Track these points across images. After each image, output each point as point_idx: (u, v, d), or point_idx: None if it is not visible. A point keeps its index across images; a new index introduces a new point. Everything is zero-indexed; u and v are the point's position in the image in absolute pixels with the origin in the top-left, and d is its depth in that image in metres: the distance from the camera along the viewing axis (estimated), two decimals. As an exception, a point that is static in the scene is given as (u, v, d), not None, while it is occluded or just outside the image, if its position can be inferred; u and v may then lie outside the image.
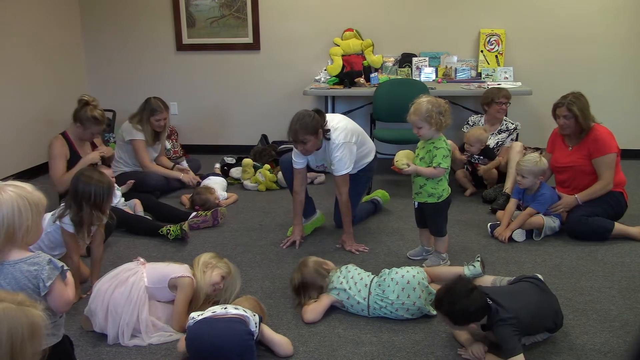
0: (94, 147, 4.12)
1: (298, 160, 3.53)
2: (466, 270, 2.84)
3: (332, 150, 3.41)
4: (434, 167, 3.04)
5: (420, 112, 2.99)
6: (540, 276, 2.59)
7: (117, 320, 2.49)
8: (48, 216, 2.86)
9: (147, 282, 2.58)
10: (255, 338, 2.27)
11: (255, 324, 2.29)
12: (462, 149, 4.62)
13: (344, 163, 3.41)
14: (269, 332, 2.39)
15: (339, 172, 3.43)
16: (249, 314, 2.30)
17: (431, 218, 3.20)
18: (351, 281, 2.74)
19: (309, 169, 3.69)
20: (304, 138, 3.26)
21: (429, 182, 3.09)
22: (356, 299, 2.69)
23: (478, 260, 2.88)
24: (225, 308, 2.32)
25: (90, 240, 2.92)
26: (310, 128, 3.26)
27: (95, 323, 2.53)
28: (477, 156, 4.54)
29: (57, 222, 2.79)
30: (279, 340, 2.40)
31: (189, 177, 4.63)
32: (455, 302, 2.24)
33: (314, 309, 2.70)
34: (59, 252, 2.94)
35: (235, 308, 2.32)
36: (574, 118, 3.65)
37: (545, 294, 2.48)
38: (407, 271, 2.74)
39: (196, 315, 2.29)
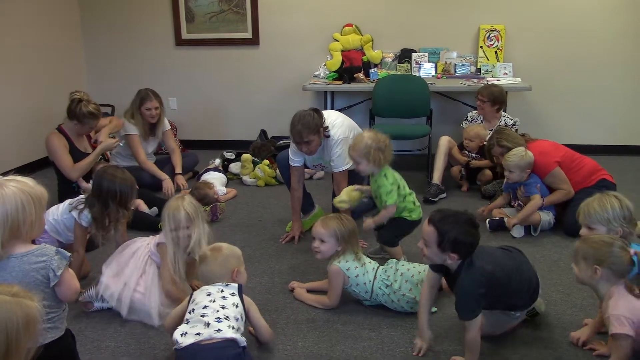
0: (89, 138, 4.13)
1: (295, 159, 3.54)
2: None
3: (331, 146, 3.41)
4: (385, 208, 2.99)
5: (358, 149, 2.95)
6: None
7: (121, 275, 2.67)
8: (67, 203, 2.95)
9: (152, 249, 2.74)
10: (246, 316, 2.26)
11: (242, 317, 2.21)
12: (461, 147, 4.62)
13: (343, 159, 3.41)
14: (255, 315, 2.35)
15: (338, 168, 3.43)
16: (235, 326, 2.13)
17: (385, 225, 3.10)
18: (363, 259, 2.76)
19: (306, 166, 3.69)
20: (308, 138, 3.26)
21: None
22: (363, 279, 2.69)
23: None
24: (208, 325, 2.08)
25: (116, 234, 3.03)
26: (312, 127, 3.26)
27: (101, 282, 2.68)
28: (474, 154, 4.54)
29: (73, 213, 2.84)
30: (263, 327, 2.38)
31: (169, 185, 4.41)
32: (458, 225, 2.16)
33: (334, 294, 2.71)
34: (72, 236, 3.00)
35: (217, 320, 2.10)
36: (509, 150, 3.72)
37: (518, 263, 2.42)
38: (414, 267, 2.77)
39: (179, 336, 2.08)
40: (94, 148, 4.12)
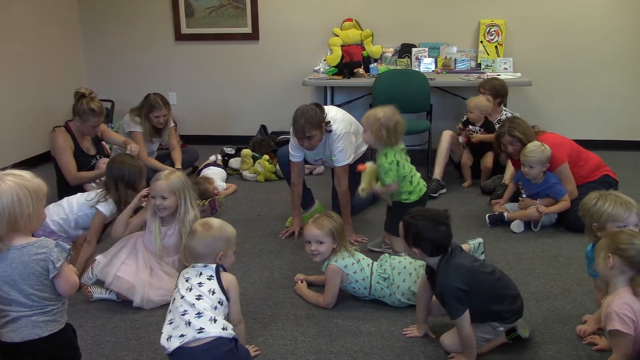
0: (94, 141, 4.10)
1: (295, 154, 3.53)
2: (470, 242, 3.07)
3: (333, 141, 3.41)
4: (384, 186, 3.01)
5: (369, 118, 3.00)
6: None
7: (111, 252, 2.87)
8: (82, 199, 3.07)
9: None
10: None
11: (222, 302, 2.11)
12: (465, 125, 4.62)
13: (344, 154, 3.42)
14: (233, 297, 2.17)
15: (340, 163, 3.43)
16: (215, 316, 2.04)
17: (388, 212, 3.16)
18: (356, 255, 2.77)
19: (306, 161, 3.68)
20: (310, 133, 3.26)
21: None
22: (361, 275, 2.70)
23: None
24: (189, 324, 2.00)
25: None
26: (315, 122, 3.26)
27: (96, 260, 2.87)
28: (477, 127, 4.52)
29: (98, 206, 2.99)
30: (235, 311, 2.19)
31: None
32: (423, 220, 2.23)
33: (330, 293, 2.71)
34: (81, 233, 3.14)
35: (198, 316, 2.01)
36: (520, 142, 3.69)
37: (500, 272, 2.41)
38: (405, 258, 2.79)
39: (165, 341, 2.01)
40: (99, 151, 4.10)
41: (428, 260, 2.29)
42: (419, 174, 3.09)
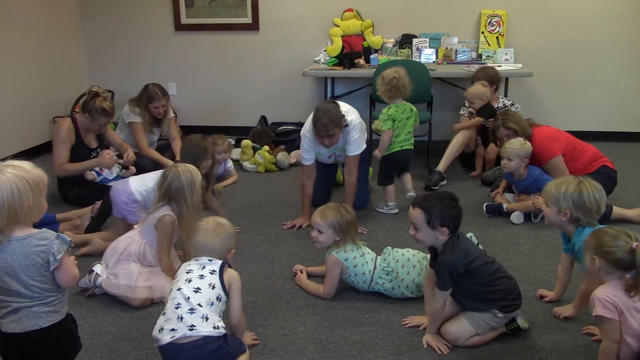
0: (97, 135, 4.09)
1: (308, 157, 3.56)
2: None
3: (349, 131, 3.46)
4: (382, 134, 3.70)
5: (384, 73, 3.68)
6: None
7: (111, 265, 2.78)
8: (153, 175, 3.09)
9: (144, 238, 2.77)
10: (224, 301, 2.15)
11: (220, 298, 2.11)
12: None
13: (358, 143, 3.50)
14: (234, 293, 2.16)
15: (355, 152, 3.51)
16: (208, 314, 2.04)
17: (380, 166, 3.84)
18: (362, 249, 2.77)
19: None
20: (333, 132, 3.29)
21: None
22: (362, 269, 2.70)
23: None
24: (181, 319, 2.01)
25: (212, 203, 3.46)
26: (338, 121, 3.30)
27: (93, 270, 2.79)
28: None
29: None
30: (235, 307, 2.18)
31: None
32: (440, 200, 2.31)
33: (330, 284, 2.72)
34: None
35: (190, 311, 2.02)
36: (515, 133, 3.71)
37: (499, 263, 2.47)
38: (408, 251, 2.80)
39: (158, 332, 2.04)
40: (101, 144, 4.09)
41: (442, 242, 2.31)
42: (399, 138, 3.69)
